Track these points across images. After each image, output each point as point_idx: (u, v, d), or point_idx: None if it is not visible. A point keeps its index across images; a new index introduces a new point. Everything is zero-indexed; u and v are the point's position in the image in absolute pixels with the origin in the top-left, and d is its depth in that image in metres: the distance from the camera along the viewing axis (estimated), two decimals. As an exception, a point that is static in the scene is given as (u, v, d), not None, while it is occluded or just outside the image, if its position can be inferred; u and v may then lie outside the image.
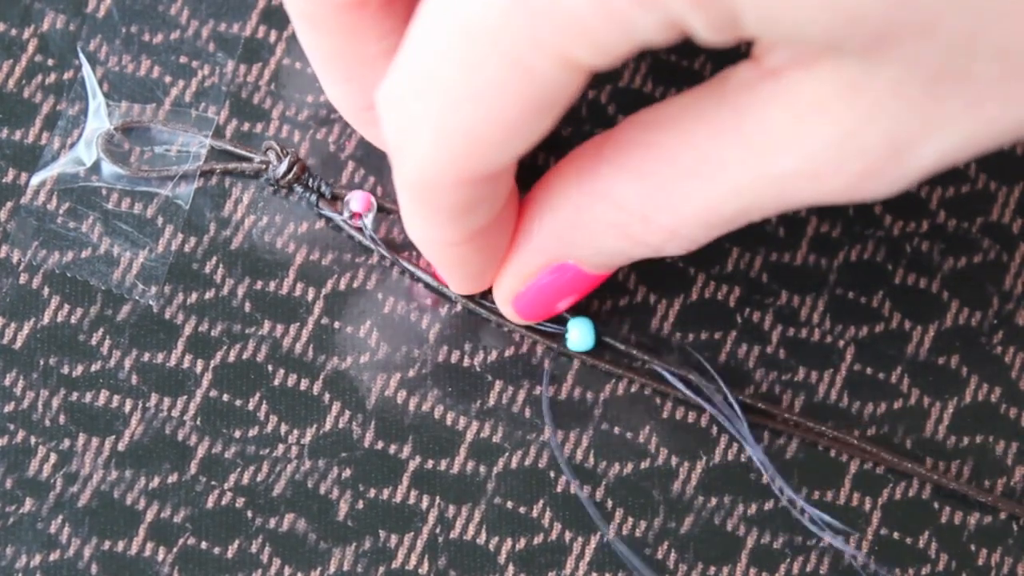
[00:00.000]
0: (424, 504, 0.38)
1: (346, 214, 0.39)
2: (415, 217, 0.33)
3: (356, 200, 0.39)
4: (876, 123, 0.29)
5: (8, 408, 0.38)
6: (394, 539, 0.38)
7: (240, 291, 0.39)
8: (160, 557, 0.37)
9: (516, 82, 0.29)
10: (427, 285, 0.39)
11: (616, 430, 0.39)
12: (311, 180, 0.39)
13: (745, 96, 0.30)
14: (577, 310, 0.39)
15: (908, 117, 0.29)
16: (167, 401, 0.38)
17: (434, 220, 0.33)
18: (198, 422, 0.38)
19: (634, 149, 0.32)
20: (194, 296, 0.39)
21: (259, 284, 0.39)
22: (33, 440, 0.38)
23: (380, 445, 0.38)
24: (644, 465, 0.38)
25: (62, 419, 0.38)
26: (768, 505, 0.38)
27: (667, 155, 0.32)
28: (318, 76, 0.37)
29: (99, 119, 0.39)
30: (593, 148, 0.34)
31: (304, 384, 0.38)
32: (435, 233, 0.33)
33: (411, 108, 0.30)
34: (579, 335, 0.38)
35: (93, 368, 0.38)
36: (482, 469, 0.38)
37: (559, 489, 0.38)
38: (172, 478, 0.38)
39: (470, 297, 0.38)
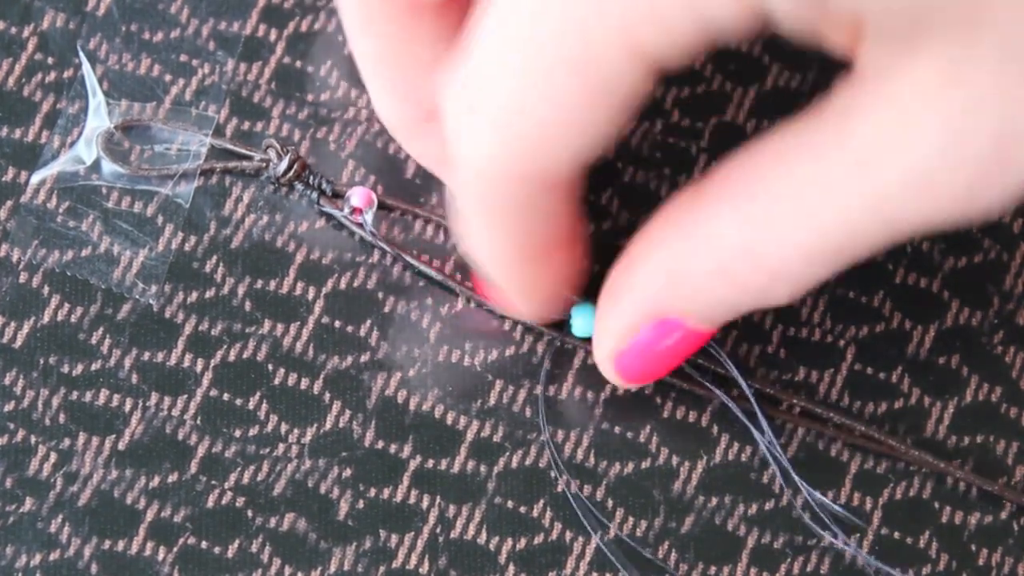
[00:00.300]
0: (424, 504, 0.38)
1: (347, 210, 0.39)
2: (475, 222, 0.32)
3: (357, 196, 0.38)
4: (981, 115, 0.27)
5: (8, 407, 0.38)
6: (394, 539, 0.38)
7: (240, 290, 0.39)
8: (160, 557, 0.37)
9: (581, 70, 0.28)
10: (431, 280, 0.39)
11: (616, 429, 0.39)
12: (311, 178, 0.39)
13: (844, 112, 0.29)
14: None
15: (1016, 99, 0.27)
16: (167, 400, 0.38)
17: (494, 225, 0.32)
18: (198, 421, 0.38)
19: (733, 185, 0.31)
20: (194, 295, 0.39)
21: (259, 283, 0.39)
22: (33, 439, 0.38)
23: (380, 444, 0.38)
24: (645, 465, 0.38)
25: (62, 418, 0.38)
26: (769, 505, 0.38)
27: (768, 185, 0.30)
28: (368, 87, 0.36)
29: (99, 117, 0.39)
30: (689, 192, 0.32)
31: (304, 383, 0.38)
32: (496, 243, 0.32)
33: (474, 97, 0.29)
34: (583, 321, 0.38)
35: (93, 367, 0.38)
36: (482, 469, 0.38)
37: (559, 489, 0.38)
38: (172, 477, 0.38)
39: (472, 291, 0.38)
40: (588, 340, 0.38)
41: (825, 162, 0.29)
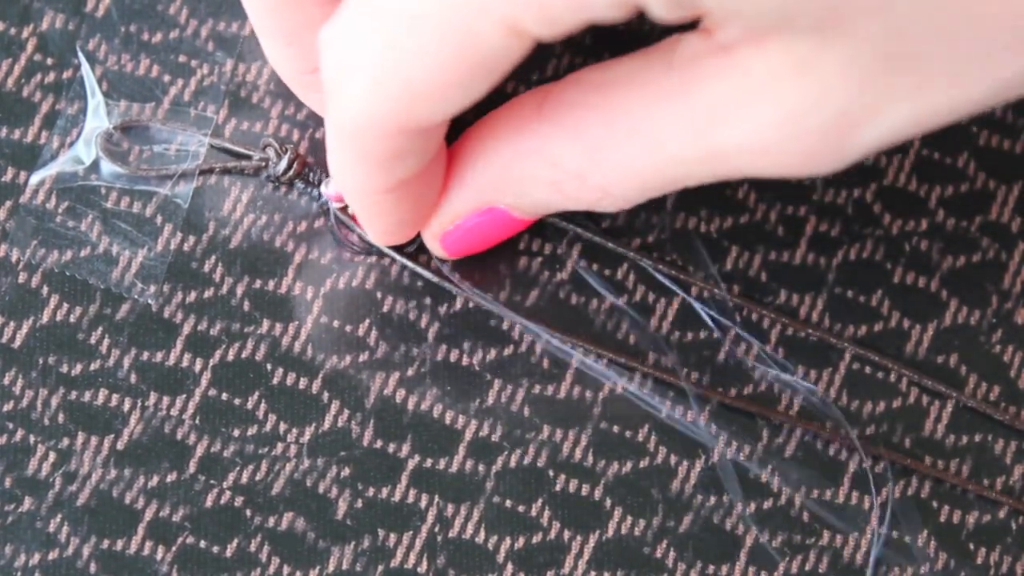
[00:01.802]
0: (423, 503, 0.38)
1: (328, 188, 0.38)
2: (341, 160, 0.34)
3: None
4: (826, 102, 0.30)
5: (7, 407, 0.38)
6: (393, 538, 0.38)
7: (239, 290, 0.39)
8: (159, 556, 0.37)
9: (460, 42, 0.29)
10: (422, 277, 0.39)
11: (615, 429, 0.39)
12: (312, 174, 0.39)
13: (693, 68, 0.31)
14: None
15: (857, 96, 0.29)
16: (166, 400, 0.38)
17: (360, 165, 0.33)
18: (197, 421, 0.38)
19: (574, 109, 0.33)
20: (193, 295, 0.39)
21: (258, 283, 0.39)
22: (32, 439, 0.38)
23: (379, 444, 0.38)
24: (643, 464, 0.38)
25: (61, 418, 0.38)
26: (767, 504, 0.38)
27: (608, 118, 0.32)
28: (259, 38, 0.37)
29: (98, 118, 0.39)
30: (532, 103, 0.34)
31: (303, 383, 0.38)
32: (360, 179, 0.34)
33: (354, 51, 0.30)
34: None
35: (92, 367, 0.38)
36: (481, 468, 0.38)
37: (558, 488, 0.38)
38: (171, 477, 0.38)
39: (399, 250, 0.39)
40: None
41: (667, 110, 0.31)
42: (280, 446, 0.38)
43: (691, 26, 0.31)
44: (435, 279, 0.39)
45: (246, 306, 0.39)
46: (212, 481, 0.38)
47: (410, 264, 0.39)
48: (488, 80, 0.30)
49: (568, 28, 0.29)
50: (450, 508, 0.38)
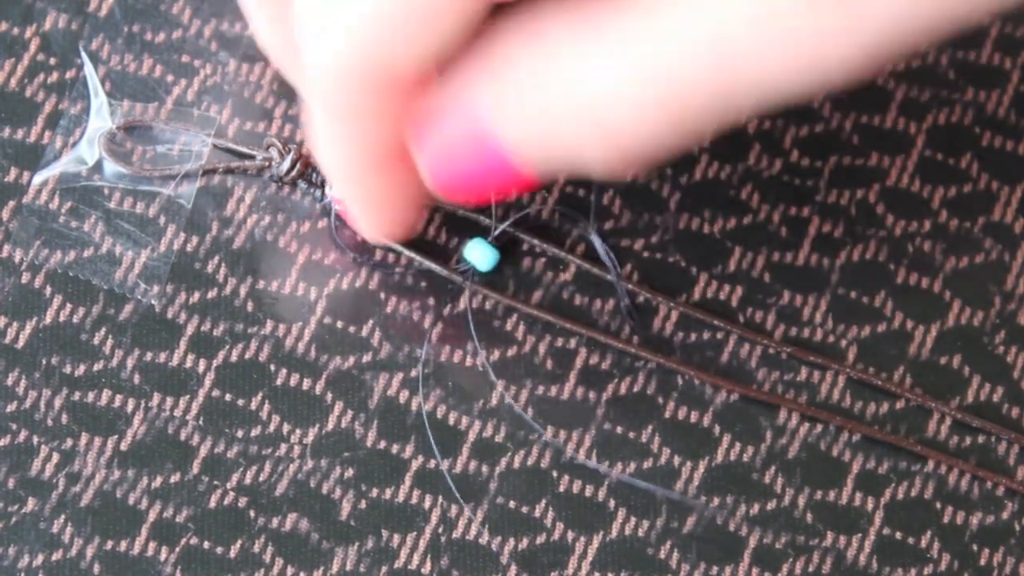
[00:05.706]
0: (427, 504, 0.38)
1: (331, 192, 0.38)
2: (324, 128, 0.32)
3: None
4: None
5: (10, 408, 0.38)
6: (396, 539, 0.38)
7: (242, 290, 0.39)
8: (162, 557, 0.37)
9: None
10: (429, 270, 0.39)
11: (618, 429, 0.39)
12: (315, 175, 0.39)
13: None
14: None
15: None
16: (169, 401, 0.38)
17: (340, 128, 0.32)
18: (200, 422, 0.38)
19: (571, 27, 0.30)
20: (196, 295, 0.39)
21: (261, 283, 0.39)
22: (35, 440, 0.38)
23: (382, 445, 0.38)
24: (647, 465, 0.38)
25: (64, 419, 0.38)
26: (771, 505, 0.38)
27: (604, 34, 0.29)
28: (249, 20, 0.37)
29: (101, 118, 0.39)
30: (525, 30, 0.31)
31: (306, 384, 0.38)
32: (341, 148, 0.32)
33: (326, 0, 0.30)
34: (480, 254, 0.38)
35: (95, 368, 0.38)
36: (484, 469, 0.38)
37: (562, 489, 0.38)
38: (174, 478, 0.38)
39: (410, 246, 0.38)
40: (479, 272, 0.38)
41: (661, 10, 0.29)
42: (284, 447, 0.38)
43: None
44: (438, 269, 0.38)
45: (249, 307, 0.39)
46: (216, 482, 0.38)
47: (415, 255, 0.39)
48: (465, 13, 0.29)
49: None
50: (453, 509, 0.38)
